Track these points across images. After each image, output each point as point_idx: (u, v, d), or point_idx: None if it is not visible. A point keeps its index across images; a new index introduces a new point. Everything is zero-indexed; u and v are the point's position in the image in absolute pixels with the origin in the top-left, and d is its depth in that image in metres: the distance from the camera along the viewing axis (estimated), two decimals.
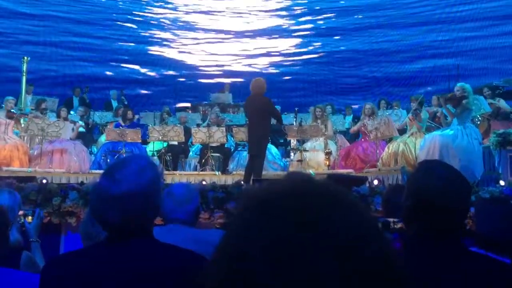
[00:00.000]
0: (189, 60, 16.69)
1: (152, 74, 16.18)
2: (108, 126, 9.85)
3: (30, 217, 2.83)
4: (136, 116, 10.63)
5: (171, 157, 9.49)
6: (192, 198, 2.57)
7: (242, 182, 6.25)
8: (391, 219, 1.98)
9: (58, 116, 9.18)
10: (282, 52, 16.60)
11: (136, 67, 15.97)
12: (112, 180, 1.51)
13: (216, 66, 16.62)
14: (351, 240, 0.60)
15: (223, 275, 0.61)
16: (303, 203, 0.62)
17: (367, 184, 5.53)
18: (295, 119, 9.68)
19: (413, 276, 1.53)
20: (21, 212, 2.71)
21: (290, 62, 16.50)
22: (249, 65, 16.53)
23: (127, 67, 15.86)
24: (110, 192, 1.50)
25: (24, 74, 10.49)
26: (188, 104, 14.06)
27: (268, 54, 16.61)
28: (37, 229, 2.77)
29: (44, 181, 6.04)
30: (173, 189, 2.64)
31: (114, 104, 12.25)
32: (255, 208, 0.64)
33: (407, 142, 8.07)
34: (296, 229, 0.60)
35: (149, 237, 1.61)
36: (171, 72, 16.23)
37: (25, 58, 10.74)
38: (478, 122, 8.42)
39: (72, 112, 10.83)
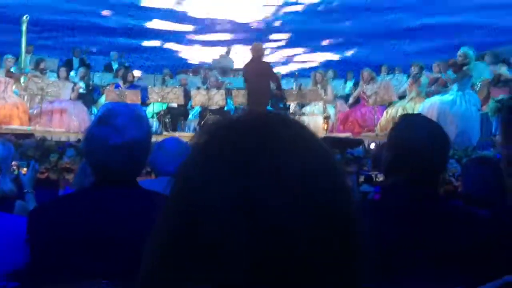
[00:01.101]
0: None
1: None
2: (108, 87, 9.84)
3: (25, 169, 2.89)
4: (136, 78, 10.58)
5: (170, 119, 9.51)
6: (183, 151, 2.61)
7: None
8: (373, 173, 2.02)
9: (58, 76, 9.16)
10: None
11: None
12: (113, 129, 1.53)
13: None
14: (307, 172, 0.57)
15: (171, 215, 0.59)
16: (255, 130, 0.60)
17: (362, 147, 5.57)
18: (295, 83, 9.65)
19: (390, 223, 1.59)
20: (14, 163, 2.76)
21: None
22: None
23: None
24: (112, 141, 1.51)
25: (23, 33, 10.41)
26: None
27: None
28: (31, 181, 2.83)
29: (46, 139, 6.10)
30: (164, 143, 2.68)
31: (115, 65, 12.18)
32: (213, 135, 0.62)
33: (406, 107, 8.07)
34: (246, 155, 0.57)
35: (134, 184, 1.64)
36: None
37: (25, 17, 10.63)
38: (478, 89, 8.38)
39: (72, 73, 10.79)
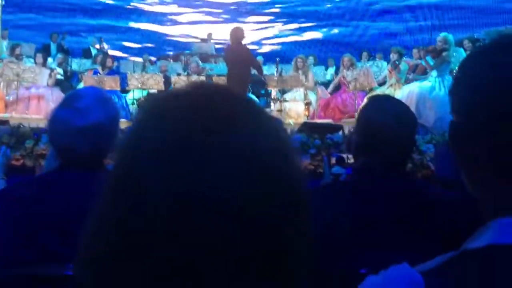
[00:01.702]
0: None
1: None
2: (86, 74, 9.70)
3: None
4: (115, 64, 10.45)
5: None
6: None
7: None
8: (345, 155, 2.02)
9: (35, 61, 9.00)
10: None
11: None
12: (76, 111, 1.51)
13: None
14: (257, 149, 0.55)
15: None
16: (199, 104, 0.57)
17: (341, 133, 5.59)
18: (276, 68, 9.62)
19: (360, 203, 1.59)
20: None
21: None
22: None
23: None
24: (77, 123, 1.49)
25: None
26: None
27: None
28: (2, 167, 2.79)
29: (21, 126, 6.00)
30: None
31: (93, 51, 12.00)
32: (148, 110, 0.59)
33: (385, 93, 8.11)
34: (188, 132, 0.54)
35: (101, 166, 1.63)
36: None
37: (0, 1, 10.41)
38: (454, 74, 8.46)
39: (50, 59, 10.60)
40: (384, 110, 1.67)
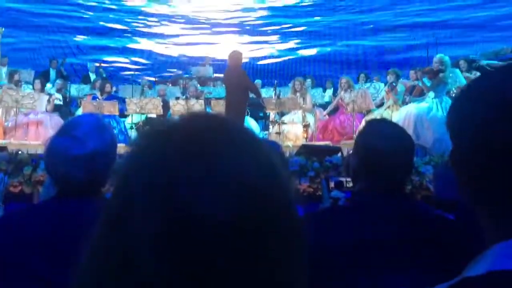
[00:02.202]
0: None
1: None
2: (85, 99, 9.74)
3: None
4: (114, 89, 10.51)
5: None
6: None
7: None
8: (344, 179, 2.01)
9: (33, 88, 9.05)
10: None
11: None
12: (73, 139, 1.51)
13: None
14: (246, 178, 0.56)
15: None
16: (191, 134, 0.59)
17: (340, 155, 5.59)
18: (274, 91, 9.68)
19: (358, 228, 1.58)
20: None
21: None
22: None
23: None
24: (73, 152, 1.49)
25: None
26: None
27: None
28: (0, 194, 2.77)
29: (20, 152, 5.99)
30: None
31: (92, 77, 12.09)
32: (141, 141, 0.62)
33: (383, 115, 8.15)
34: (182, 160, 0.56)
35: (99, 194, 1.62)
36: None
37: (0, 29, 10.52)
38: (453, 95, 8.51)
39: (49, 85, 10.67)
40: (381, 134, 1.67)
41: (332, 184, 1.94)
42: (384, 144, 1.63)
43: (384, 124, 1.76)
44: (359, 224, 1.56)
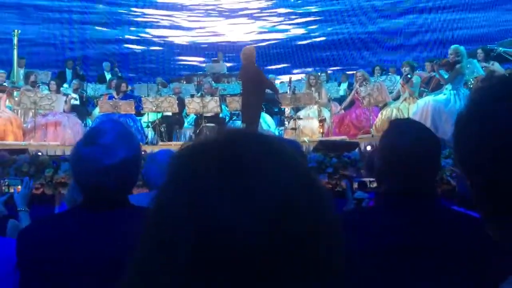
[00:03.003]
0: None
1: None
2: (102, 99, 9.81)
3: (19, 187, 2.85)
4: (130, 88, 10.57)
5: (165, 128, 9.50)
6: None
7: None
8: (367, 179, 2.00)
9: (49, 89, 9.15)
10: None
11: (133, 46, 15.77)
12: (103, 149, 1.49)
13: None
14: (283, 195, 0.57)
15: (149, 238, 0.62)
16: (228, 150, 0.60)
17: (358, 150, 5.56)
18: (289, 87, 9.64)
19: (384, 231, 1.57)
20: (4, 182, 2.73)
21: None
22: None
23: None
24: (104, 162, 1.47)
25: (15, 47, 10.41)
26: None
27: None
28: (25, 198, 2.79)
29: (40, 153, 6.07)
30: (157, 156, 2.67)
31: (108, 76, 12.17)
32: (180, 158, 0.63)
33: (400, 107, 8.08)
34: (220, 177, 0.57)
35: (126, 202, 1.62)
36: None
37: (16, 31, 10.64)
38: (471, 86, 8.39)
39: (65, 85, 10.77)
40: (406, 134, 1.65)
41: (355, 185, 1.93)
42: (408, 144, 1.61)
43: (409, 124, 1.74)
44: (385, 228, 1.54)
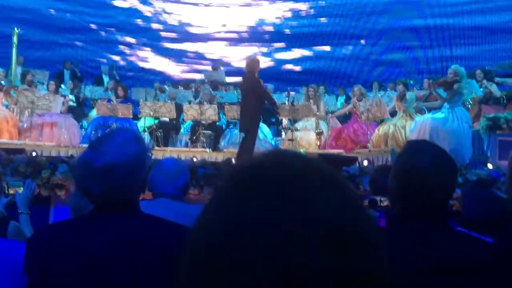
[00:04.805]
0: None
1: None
2: (100, 102, 9.77)
3: (21, 189, 2.80)
4: (128, 91, 10.54)
5: (162, 133, 9.46)
6: (182, 172, 2.58)
7: (233, 159, 6.26)
8: (378, 197, 2.00)
9: (48, 89, 9.09)
10: None
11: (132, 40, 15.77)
12: (96, 152, 1.51)
13: None
14: (339, 222, 0.56)
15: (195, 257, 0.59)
16: (290, 178, 0.59)
17: (357, 165, 5.56)
18: (287, 98, 9.67)
19: (396, 254, 1.56)
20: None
21: None
22: None
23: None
24: (93, 164, 1.49)
25: (14, 45, 10.35)
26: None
27: None
28: (26, 201, 2.75)
29: (34, 153, 6.02)
30: (163, 164, 2.65)
31: (105, 79, 12.13)
32: (237, 181, 0.61)
33: (397, 124, 8.11)
34: (281, 207, 0.56)
35: (135, 210, 1.61)
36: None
37: (15, 29, 10.58)
38: (469, 106, 8.46)
39: (63, 86, 10.72)
40: (422, 154, 1.65)
41: (365, 203, 1.91)
42: (424, 165, 1.61)
43: (425, 145, 1.74)
44: (399, 251, 1.53)
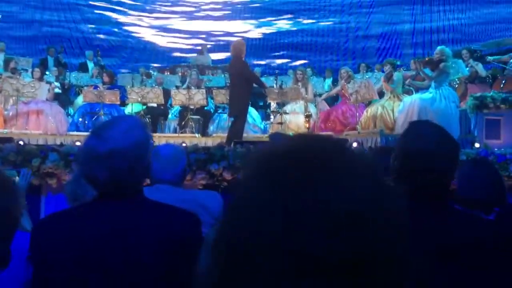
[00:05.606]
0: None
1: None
2: (86, 88, 9.64)
3: (17, 178, 2.75)
4: (114, 78, 10.41)
5: (150, 119, 9.39)
6: (179, 158, 2.57)
7: (224, 144, 6.25)
8: None
9: (32, 76, 8.94)
10: None
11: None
12: (99, 139, 1.50)
13: None
14: (368, 207, 0.57)
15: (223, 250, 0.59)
16: (322, 162, 0.58)
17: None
18: (275, 81, 9.64)
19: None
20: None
21: None
22: None
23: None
24: (98, 150, 1.48)
25: None
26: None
27: None
28: (23, 191, 2.71)
29: (21, 142, 5.93)
30: (159, 150, 2.63)
31: (90, 65, 11.96)
32: (265, 173, 0.59)
33: (385, 105, 8.14)
34: (325, 192, 0.55)
35: (139, 196, 1.60)
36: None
37: None
38: (456, 85, 8.52)
39: (47, 73, 10.54)
40: (424, 136, 1.66)
41: None
42: (425, 146, 1.62)
43: (427, 126, 1.75)
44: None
